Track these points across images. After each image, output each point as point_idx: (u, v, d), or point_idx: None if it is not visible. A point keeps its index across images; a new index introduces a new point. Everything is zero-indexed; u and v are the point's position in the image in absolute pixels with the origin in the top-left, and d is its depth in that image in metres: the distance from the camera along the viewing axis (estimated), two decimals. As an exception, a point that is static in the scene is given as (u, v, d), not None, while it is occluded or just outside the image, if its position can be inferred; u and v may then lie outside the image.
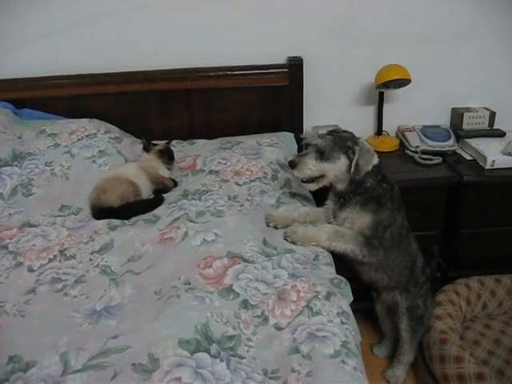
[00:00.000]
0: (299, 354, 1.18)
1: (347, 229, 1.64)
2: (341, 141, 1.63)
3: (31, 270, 1.49)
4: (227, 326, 1.21)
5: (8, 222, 1.74)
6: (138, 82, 2.28)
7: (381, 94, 2.31)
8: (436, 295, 2.07)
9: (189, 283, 1.35)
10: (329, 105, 2.42)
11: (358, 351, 1.23)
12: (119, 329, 1.24)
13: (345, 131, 1.70)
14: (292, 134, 2.29)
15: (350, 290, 1.48)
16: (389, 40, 2.32)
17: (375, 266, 1.72)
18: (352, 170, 1.60)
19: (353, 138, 1.64)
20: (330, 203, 1.74)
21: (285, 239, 1.60)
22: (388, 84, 2.21)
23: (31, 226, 1.71)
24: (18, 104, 2.28)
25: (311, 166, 1.63)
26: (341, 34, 2.30)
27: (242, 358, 1.16)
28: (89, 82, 2.27)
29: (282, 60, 2.30)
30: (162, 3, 2.22)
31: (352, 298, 1.47)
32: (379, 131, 2.39)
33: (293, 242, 1.58)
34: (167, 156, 1.97)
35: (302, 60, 2.26)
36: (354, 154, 1.60)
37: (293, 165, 1.66)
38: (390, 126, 2.44)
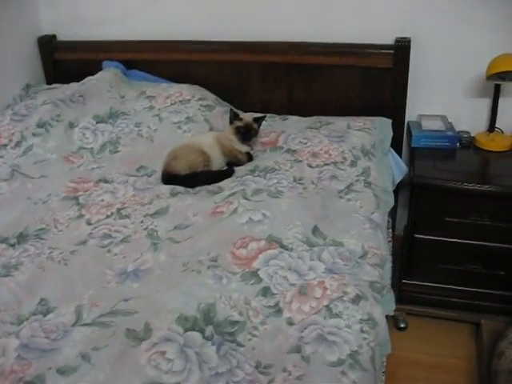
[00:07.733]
0: (299, 354, 1.11)
1: None
2: None
3: (89, 223, 1.59)
4: (233, 311, 1.19)
5: (89, 175, 1.86)
6: (240, 52, 2.27)
7: (497, 87, 2.04)
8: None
9: (215, 260, 1.34)
10: (437, 93, 2.20)
11: (370, 365, 1.12)
12: (136, 292, 1.27)
13: None
14: (390, 121, 2.12)
15: (393, 299, 1.37)
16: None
17: None
18: None
19: None
20: None
21: None
22: (503, 76, 1.94)
23: (106, 181, 1.80)
24: (130, 65, 2.40)
25: None
26: (458, 16, 2.05)
27: (240, 345, 1.13)
28: (194, 48, 2.31)
29: (389, 40, 2.12)
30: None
31: (394, 308, 1.35)
32: (491, 127, 2.13)
33: None
34: (242, 135, 1.89)
35: (410, 41, 2.07)
36: None
37: None
38: (505, 123, 2.14)
